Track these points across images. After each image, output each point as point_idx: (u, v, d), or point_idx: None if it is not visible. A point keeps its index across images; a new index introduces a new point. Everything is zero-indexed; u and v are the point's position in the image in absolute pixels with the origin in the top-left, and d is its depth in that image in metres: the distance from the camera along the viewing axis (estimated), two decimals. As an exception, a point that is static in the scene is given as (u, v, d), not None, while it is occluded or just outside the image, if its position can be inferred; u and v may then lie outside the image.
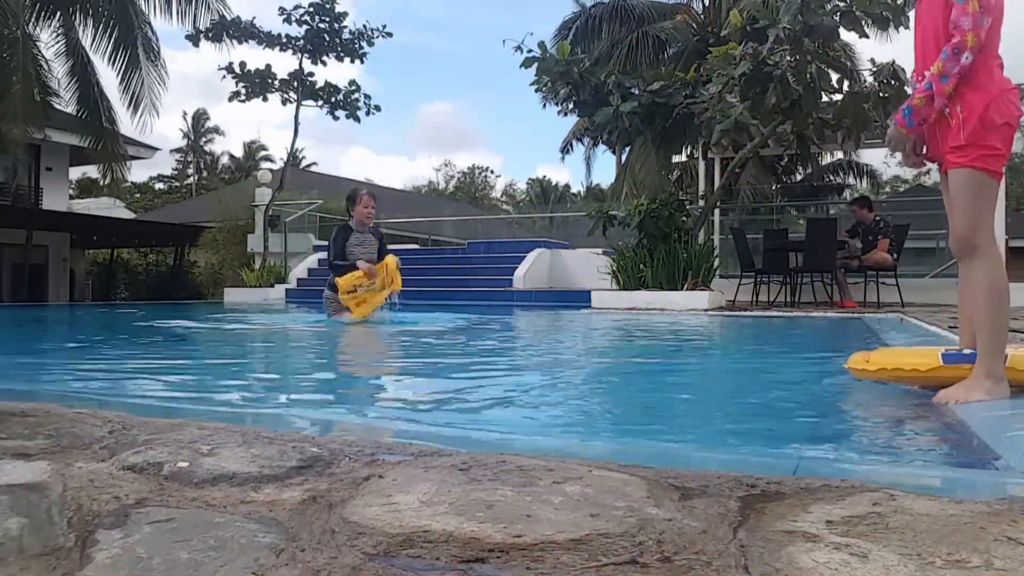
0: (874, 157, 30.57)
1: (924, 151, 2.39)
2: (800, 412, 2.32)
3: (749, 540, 0.92)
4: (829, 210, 17.81)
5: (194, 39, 13.32)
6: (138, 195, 41.52)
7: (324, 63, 13.52)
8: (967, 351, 2.24)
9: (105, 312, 10.79)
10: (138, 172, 44.00)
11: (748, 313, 7.72)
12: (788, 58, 7.59)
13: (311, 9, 12.94)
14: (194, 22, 13.68)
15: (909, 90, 2.37)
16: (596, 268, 9.90)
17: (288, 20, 13.00)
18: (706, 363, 4.16)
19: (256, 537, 0.94)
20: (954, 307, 2.56)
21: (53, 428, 1.54)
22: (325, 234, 15.03)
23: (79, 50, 13.56)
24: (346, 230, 6.24)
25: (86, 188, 34.67)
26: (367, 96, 13.95)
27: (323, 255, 13.23)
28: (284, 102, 13.77)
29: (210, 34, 13.21)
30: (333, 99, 13.79)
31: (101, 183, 22.68)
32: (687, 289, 8.51)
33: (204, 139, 47.86)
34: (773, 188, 19.85)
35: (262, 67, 13.27)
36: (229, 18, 13.39)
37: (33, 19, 13.18)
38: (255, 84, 13.31)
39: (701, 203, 10.66)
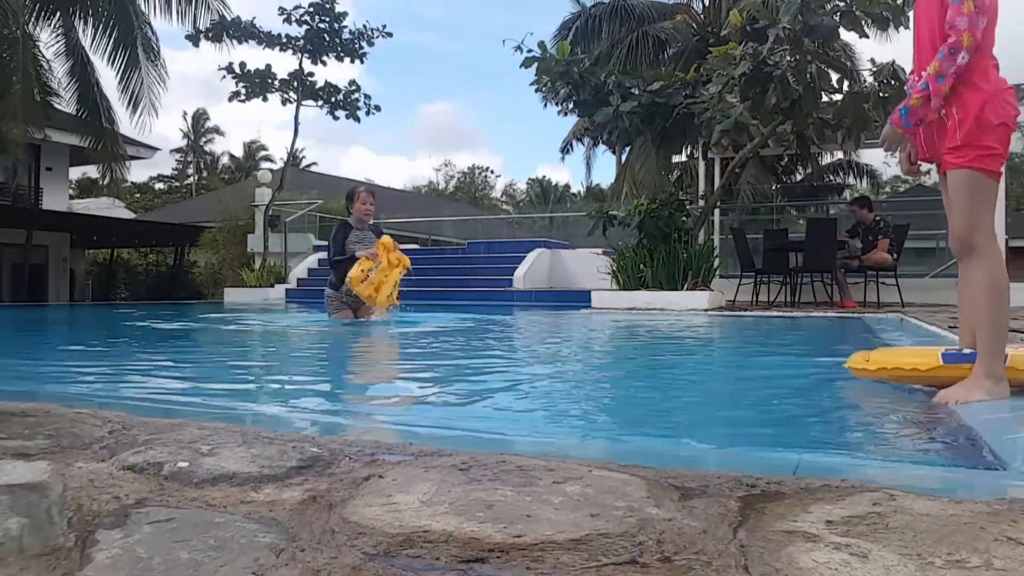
0: (874, 157, 30.57)
1: (916, 160, 2.41)
2: (800, 412, 2.32)
3: (749, 540, 0.92)
4: (829, 210, 17.81)
5: (194, 39, 13.32)
6: (138, 195, 41.52)
7: (324, 63, 13.53)
8: (967, 351, 2.25)
9: (105, 312, 10.79)
10: (138, 172, 44.05)
11: (748, 313, 7.72)
12: (788, 58, 7.60)
13: (311, 9, 12.94)
14: (194, 22, 13.70)
15: (908, 90, 2.37)
16: (596, 268, 9.90)
17: (288, 20, 13.00)
18: (706, 363, 4.16)
19: (256, 537, 0.94)
20: (954, 307, 2.56)
21: (53, 428, 1.54)
22: (325, 234, 15.02)
23: (79, 50, 13.56)
24: (346, 228, 6.24)
25: (86, 188, 34.67)
26: (367, 96, 13.97)
27: (323, 255, 13.23)
28: (284, 102, 13.78)
29: (210, 34, 13.22)
30: (333, 99, 13.80)
31: (101, 183, 22.68)
32: (687, 289, 8.51)
33: (204, 139, 47.89)
34: (773, 188, 19.85)
35: (262, 67, 13.28)
36: (229, 18, 13.40)
37: (33, 19, 13.18)
38: (255, 84, 13.31)
39: (701, 203, 10.66)
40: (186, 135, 47.03)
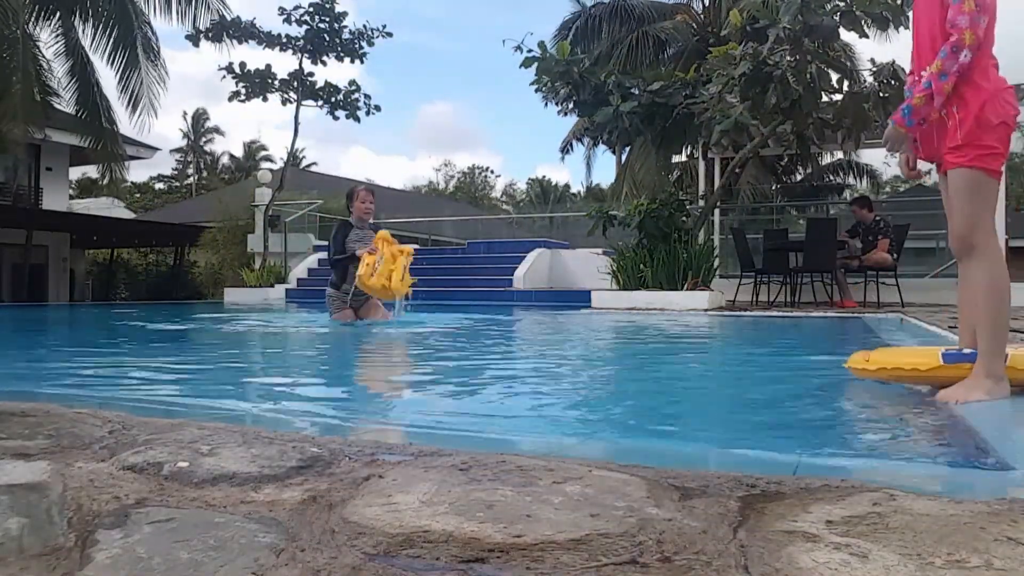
0: (874, 157, 30.54)
1: (914, 165, 2.41)
2: (800, 412, 2.32)
3: (749, 540, 0.93)
4: (829, 210, 17.81)
5: (194, 39, 13.33)
6: (138, 195, 41.52)
7: (324, 63, 13.53)
8: (967, 351, 2.25)
9: (105, 312, 10.79)
10: (138, 172, 44.06)
11: (748, 313, 7.72)
12: (788, 58, 7.60)
13: (311, 9, 12.94)
14: (194, 22, 13.70)
15: (908, 91, 2.37)
16: (596, 268, 9.90)
17: (288, 20, 13.01)
18: (706, 363, 4.16)
19: (256, 537, 0.94)
20: (954, 307, 2.56)
21: (53, 428, 1.54)
22: (325, 234, 15.03)
23: (79, 50, 13.56)
24: (346, 227, 6.23)
25: (86, 188, 34.67)
26: (367, 96, 13.98)
27: (323, 255, 13.23)
28: (284, 102, 13.78)
29: (210, 34, 13.22)
30: (333, 99, 13.80)
31: (101, 183, 22.67)
32: (687, 289, 8.51)
33: (204, 139, 47.89)
34: (773, 188, 19.85)
35: (262, 67, 13.28)
36: (229, 18, 13.41)
37: (33, 19, 13.18)
38: (255, 84, 13.32)
39: (701, 203, 10.66)
40: (186, 135, 47.06)
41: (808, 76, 7.60)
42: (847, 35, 8.60)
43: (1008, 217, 10.49)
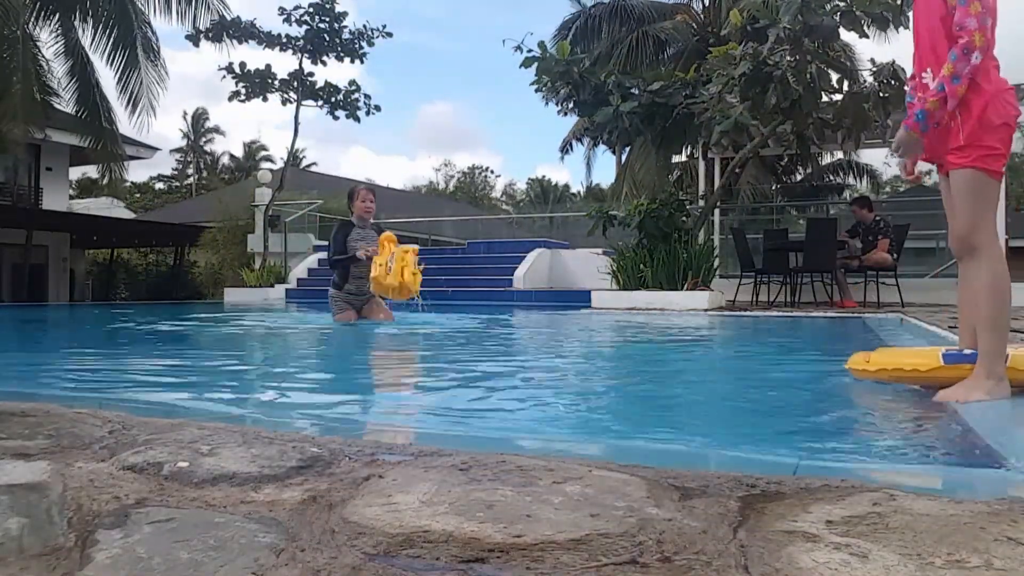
0: (874, 157, 30.61)
1: (912, 168, 2.42)
2: (800, 412, 2.32)
3: (749, 540, 0.93)
4: (829, 210, 17.80)
5: (194, 39, 13.33)
6: (138, 195, 41.52)
7: (324, 63, 13.53)
8: (968, 351, 2.25)
9: (105, 313, 10.79)
10: (138, 172, 44.05)
11: (748, 313, 7.72)
12: (788, 58, 7.59)
13: (311, 9, 12.94)
14: (194, 22, 13.70)
15: (909, 94, 2.38)
16: (596, 268, 9.90)
17: (288, 20, 13.01)
18: (706, 363, 4.16)
19: (256, 537, 0.94)
20: (954, 307, 2.57)
21: (53, 428, 1.54)
22: (325, 234, 15.02)
23: (79, 50, 13.56)
24: (347, 226, 6.23)
25: (86, 188, 34.67)
26: (367, 96, 13.98)
27: (323, 255, 13.23)
28: (284, 102, 13.78)
29: (210, 34, 13.22)
30: (333, 99, 13.80)
31: (101, 183, 22.67)
32: (687, 289, 8.51)
33: (204, 139, 47.88)
34: (773, 188, 19.85)
35: (262, 67, 13.28)
36: (229, 18, 13.41)
37: (33, 19, 13.18)
38: (255, 84, 13.32)
39: (701, 203, 10.66)
40: (186, 135, 47.05)
41: (808, 76, 7.60)
42: (847, 35, 8.62)
43: (1008, 217, 10.50)
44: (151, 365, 3.76)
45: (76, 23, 13.54)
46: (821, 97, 8.05)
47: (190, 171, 47.46)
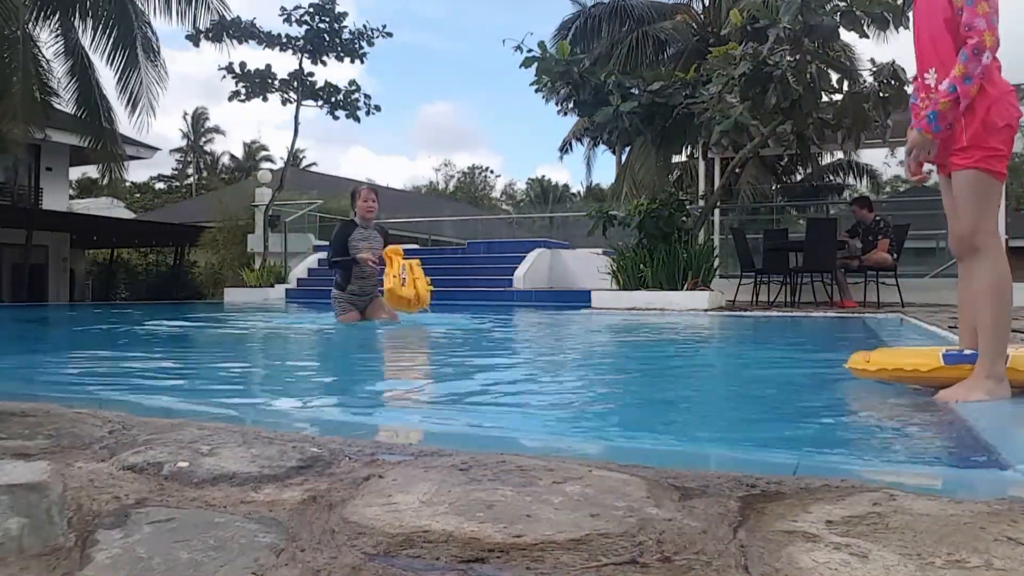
0: (874, 157, 30.60)
1: (917, 170, 2.42)
2: (800, 412, 2.32)
3: (749, 540, 0.92)
4: (829, 210, 17.81)
5: (194, 39, 13.33)
6: (138, 195, 41.52)
7: (324, 63, 13.54)
8: (968, 352, 2.25)
9: (105, 312, 10.79)
10: (138, 172, 44.07)
11: (748, 313, 7.72)
12: (788, 58, 7.59)
13: (311, 9, 12.95)
14: (194, 22, 13.70)
15: (910, 90, 2.38)
16: (596, 268, 9.90)
17: (288, 20, 13.02)
18: (706, 363, 4.16)
19: (256, 537, 0.94)
20: (954, 307, 2.57)
21: (53, 428, 1.54)
22: (325, 234, 15.03)
23: (79, 50, 13.56)
24: (350, 226, 6.23)
25: (86, 188, 34.67)
26: (367, 96, 13.99)
27: (323, 255, 13.23)
28: (284, 102, 13.79)
29: (210, 34, 13.23)
30: (333, 99, 13.81)
31: (101, 183, 22.69)
32: (687, 289, 8.51)
33: (204, 139, 47.89)
34: (773, 188, 19.85)
35: (262, 67, 13.29)
36: (229, 18, 13.41)
37: (33, 19, 13.18)
38: (255, 84, 13.32)
39: (701, 203, 10.66)
40: (186, 135, 47.06)
41: (808, 76, 7.60)
42: (847, 35, 8.62)
43: (1008, 217, 10.50)
44: (151, 365, 3.76)
45: (76, 23, 13.54)
46: (821, 97, 8.05)
47: (190, 171, 47.46)
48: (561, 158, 38.53)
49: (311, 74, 13.60)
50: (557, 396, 2.67)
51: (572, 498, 1.07)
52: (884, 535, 0.93)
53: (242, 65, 13.14)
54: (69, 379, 3.13)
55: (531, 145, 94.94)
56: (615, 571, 0.84)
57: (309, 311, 8.67)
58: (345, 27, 13.21)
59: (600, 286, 9.46)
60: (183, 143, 47.16)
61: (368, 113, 14.07)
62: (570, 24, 18.46)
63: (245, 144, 47.77)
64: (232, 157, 48.02)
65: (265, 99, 13.52)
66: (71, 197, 23.78)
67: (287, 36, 13.17)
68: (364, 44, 13.40)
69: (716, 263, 9.45)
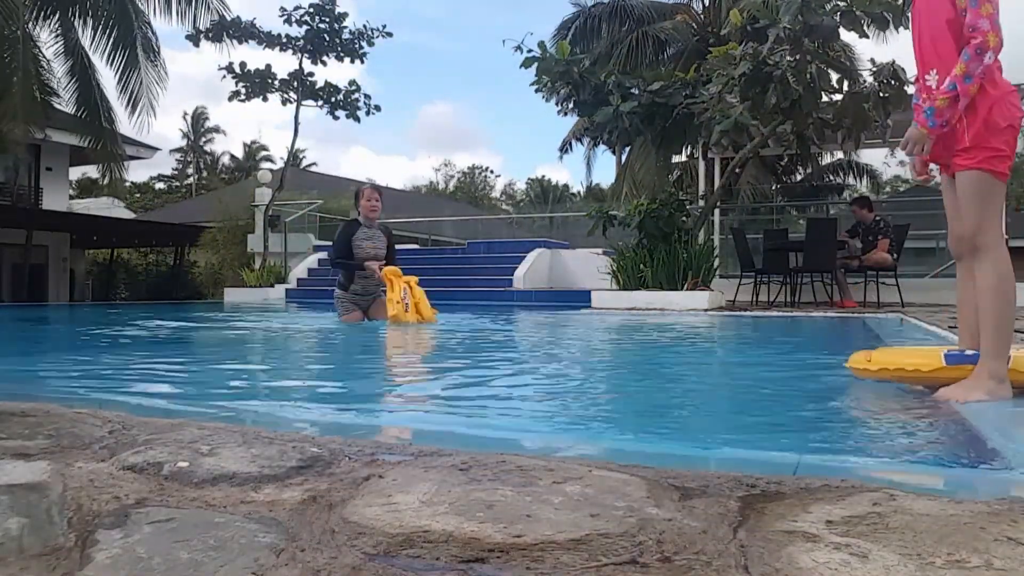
0: (874, 157, 30.60)
1: (922, 169, 2.42)
2: (800, 412, 2.32)
3: (749, 540, 0.92)
4: (829, 210, 17.81)
5: (194, 39, 13.33)
6: (138, 195, 41.51)
7: (324, 63, 13.53)
8: (969, 352, 2.25)
9: (105, 312, 10.79)
10: (138, 172, 44.07)
11: (748, 313, 7.72)
12: (788, 58, 7.59)
13: (311, 9, 12.95)
14: (194, 22, 13.70)
15: (910, 90, 2.39)
16: (596, 268, 9.90)
17: (288, 20, 13.01)
18: (706, 363, 4.16)
19: (256, 537, 0.94)
20: (954, 307, 2.57)
21: (53, 428, 1.54)
22: (325, 234, 15.04)
23: (79, 50, 13.56)
24: (353, 225, 6.23)
25: (86, 188, 34.67)
26: (367, 96, 13.98)
27: (323, 255, 13.24)
28: (284, 102, 13.79)
29: (210, 34, 13.22)
30: (333, 99, 13.80)
31: (101, 183, 22.67)
32: (687, 289, 8.51)
33: (204, 139, 47.90)
34: (773, 188, 19.86)
35: (262, 67, 13.29)
36: (229, 18, 13.41)
37: (33, 19, 13.18)
38: (255, 84, 13.32)
39: (701, 203, 10.66)
40: (186, 135, 47.06)
41: (808, 76, 7.60)
42: (847, 35, 8.61)
43: (1008, 217, 10.49)
44: (151, 365, 3.76)
45: (76, 23, 13.54)
46: (821, 97, 8.05)
47: (190, 171, 47.46)
48: (561, 158, 38.59)
49: (311, 74, 13.61)
50: (557, 396, 2.67)
51: (572, 498, 1.07)
52: (884, 535, 0.93)
53: (242, 65, 13.14)
54: (69, 379, 3.13)
55: (531, 145, 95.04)
56: (615, 571, 0.84)
57: (309, 311, 8.67)
58: (345, 27, 13.21)
59: (600, 286, 9.46)
60: (183, 143, 47.21)
61: (368, 113, 14.08)
62: (570, 24, 18.46)
63: (245, 144, 47.84)
64: (232, 157, 48.06)
65: (265, 99, 13.52)
66: (71, 197, 23.78)
67: (287, 36, 13.17)
68: (364, 44, 13.40)
69: (716, 263, 9.45)
